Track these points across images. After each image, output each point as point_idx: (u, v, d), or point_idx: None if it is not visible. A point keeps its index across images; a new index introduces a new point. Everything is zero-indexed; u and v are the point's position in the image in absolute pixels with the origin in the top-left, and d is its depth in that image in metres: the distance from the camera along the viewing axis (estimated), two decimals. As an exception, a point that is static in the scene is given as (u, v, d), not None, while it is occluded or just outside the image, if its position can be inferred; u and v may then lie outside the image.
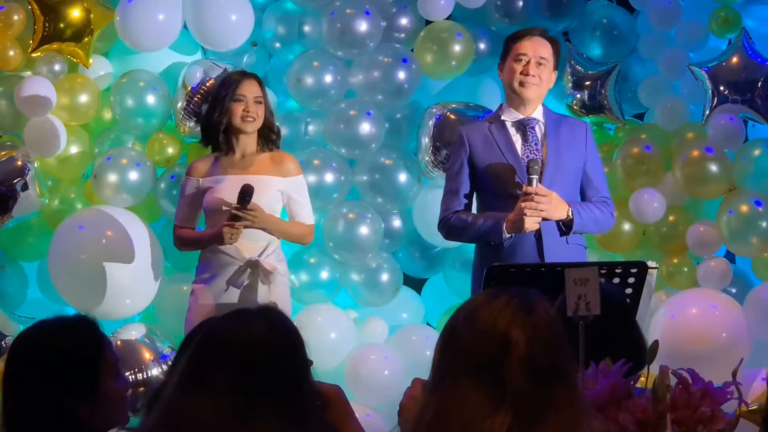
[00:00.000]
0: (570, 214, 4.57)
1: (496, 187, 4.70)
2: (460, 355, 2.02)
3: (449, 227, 4.77)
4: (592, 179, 4.75)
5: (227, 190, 4.76)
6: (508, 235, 4.57)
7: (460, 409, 1.98)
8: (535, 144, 4.72)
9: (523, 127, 4.75)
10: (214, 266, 4.77)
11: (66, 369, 2.53)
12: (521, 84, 4.70)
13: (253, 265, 4.78)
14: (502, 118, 4.78)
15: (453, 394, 2.00)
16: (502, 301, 2.05)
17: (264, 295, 4.78)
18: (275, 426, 2.08)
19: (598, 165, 4.82)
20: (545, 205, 4.50)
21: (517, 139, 4.74)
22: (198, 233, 4.89)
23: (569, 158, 4.71)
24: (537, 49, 4.73)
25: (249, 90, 4.79)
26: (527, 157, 4.67)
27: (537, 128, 4.75)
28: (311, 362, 2.21)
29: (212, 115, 4.79)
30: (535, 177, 4.52)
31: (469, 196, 4.78)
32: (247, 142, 4.85)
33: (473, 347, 2.01)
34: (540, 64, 4.71)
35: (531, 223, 4.52)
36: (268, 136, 4.90)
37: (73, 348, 2.56)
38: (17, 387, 2.54)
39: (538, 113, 4.77)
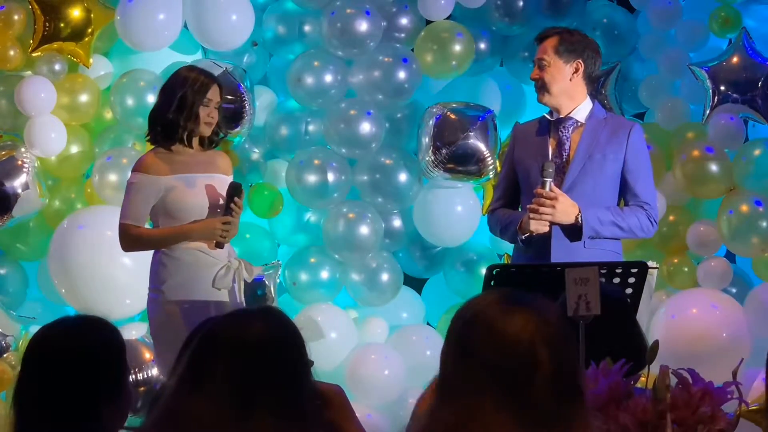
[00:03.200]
0: (579, 219, 4.47)
1: (523, 185, 4.65)
2: (481, 373, 1.96)
3: (489, 225, 4.85)
4: (630, 183, 4.56)
5: (200, 190, 4.62)
6: (523, 236, 4.52)
7: (480, 426, 1.95)
8: (564, 145, 4.61)
9: (557, 127, 4.64)
10: (190, 267, 4.56)
11: (95, 368, 2.49)
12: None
13: (236, 265, 4.68)
14: (548, 117, 4.67)
15: (472, 411, 1.95)
16: (520, 313, 1.99)
17: (239, 294, 4.70)
18: (275, 426, 2.08)
19: (639, 169, 4.57)
20: (549, 209, 4.43)
21: (551, 140, 4.62)
22: (171, 230, 4.58)
23: (602, 161, 4.55)
24: (538, 54, 4.65)
25: (215, 95, 4.64)
26: (555, 158, 4.58)
27: (572, 128, 4.61)
28: (312, 362, 2.21)
29: (177, 116, 4.56)
30: (548, 180, 4.43)
31: (509, 191, 4.72)
32: (196, 141, 4.73)
33: (498, 365, 1.96)
34: (540, 67, 4.60)
35: (536, 226, 4.46)
36: (213, 139, 4.77)
37: (101, 348, 2.53)
38: (38, 386, 2.49)
39: (579, 113, 4.61)
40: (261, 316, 2.19)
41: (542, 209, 4.43)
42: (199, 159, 4.65)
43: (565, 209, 4.44)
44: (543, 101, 4.64)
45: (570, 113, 4.61)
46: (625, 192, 4.60)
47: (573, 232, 4.49)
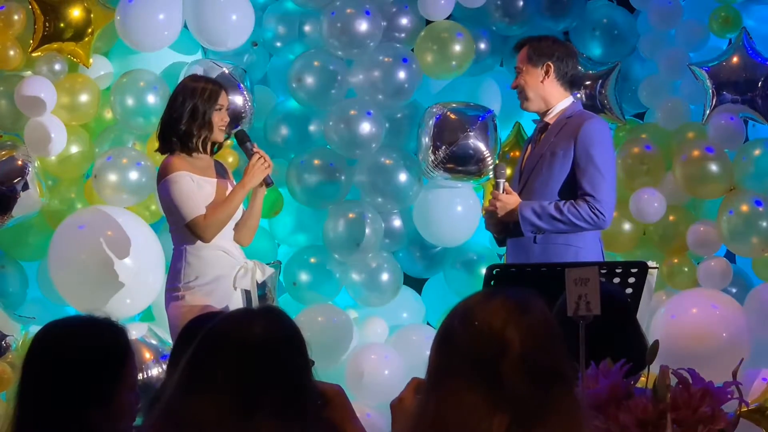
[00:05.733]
0: (516, 215, 4.66)
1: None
2: (456, 356, 2.03)
3: None
4: (578, 178, 4.67)
5: (222, 191, 4.71)
6: (496, 234, 4.85)
7: (458, 410, 1.99)
8: (532, 148, 4.82)
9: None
10: (214, 267, 4.68)
11: (87, 370, 2.49)
12: None
13: (251, 266, 4.74)
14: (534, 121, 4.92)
15: (450, 395, 2.00)
16: (498, 301, 2.05)
17: (253, 295, 4.76)
18: (276, 426, 2.08)
19: (585, 163, 4.65)
20: (492, 208, 4.73)
21: (532, 143, 4.86)
22: (230, 195, 4.68)
23: (551, 159, 4.69)
24: (517, 64, 4.85)
25: (224, 100, 4.74)
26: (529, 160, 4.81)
27: (540, 130, 4.80)
28: (313, 362, 2.21)
29: (190, 126, 4.65)
30: (500, 180, 4.74)
31: None
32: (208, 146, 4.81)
33: (469, 348, 2.02)
34: (517, 74, 4.82)
35: (487, 225, 4.83)
36: (222, 144, 4.90)
37: (100, 350, 2.52)
38: (36, 379, 2.50)
39: (550, 114, 4.77)
40: (262, 316, 2.19)
41: (487, 208, 4.77)
42: (211, 164, 4.74)
43: (505, 207, 4.69)
44: (523, 108, 4.88)
45: (545, 116, 4.79)
46: (576, 186, 4.69)
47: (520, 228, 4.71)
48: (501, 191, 4.71)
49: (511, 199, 4.69)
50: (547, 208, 4.62)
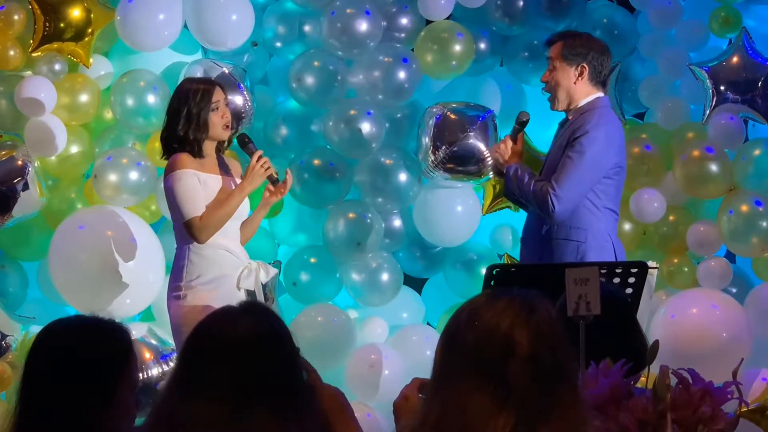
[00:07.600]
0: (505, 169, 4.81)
1: None
2: (462, 357, 2.03)
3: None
4: (557, 166, 4.71)
5: (226, 188, 4.71)
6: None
7: (463, 410, 1.99)
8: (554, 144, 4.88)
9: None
10: (217, 267, 4.67)
11: (89, 370, 2.48)
12: None
13: (255, 266, 4.73)
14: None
15: (456, 396, 2.01)
16: (504, 302, 2.06)
17: (259, 295, 4.75)
18: (270, 421, 2.08)
19: (567, 151, 4.67)
20: (495, 146, 4.95)
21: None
22: (227, 196, 4.63)
23: (557, 152, 4.74)
24: (549, 54, 4.83)
25: (219, 96, 4.69)
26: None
27: (561, 127, 4.85)
28: (298, 349, 2.21)
29: (186, 130, 4.62)
30: (517, 127, 4.88)
31: None
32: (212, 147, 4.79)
33: (476, 348, 2.02)
34: (549, 70, 4.81)
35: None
36: (230, 141, 4.86)
37: (102, 350, 2.52)
38: (37, 377, 2.50)
39: (573, 111, 4.78)
40: (247, 313, 2.20)
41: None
42: (218, 162, 4.73)
43: (502, 154, 4.83)
44: (554, 108, 4.85)
45: (569, 112, 4.80)
46: None
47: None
48: (513, 139, 4.84)
49: (513, 150, 4.82)
50: (526, 175, 4.70)
